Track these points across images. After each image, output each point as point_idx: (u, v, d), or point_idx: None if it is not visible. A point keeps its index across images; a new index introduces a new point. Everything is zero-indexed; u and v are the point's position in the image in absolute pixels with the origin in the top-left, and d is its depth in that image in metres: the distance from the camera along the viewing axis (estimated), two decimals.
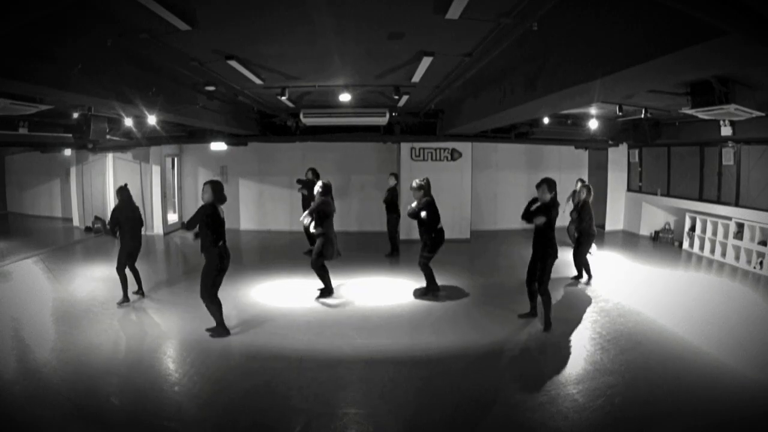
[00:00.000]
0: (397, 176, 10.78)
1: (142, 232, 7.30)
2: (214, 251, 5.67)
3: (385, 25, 4.35)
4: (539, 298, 6.20)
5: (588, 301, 7.31)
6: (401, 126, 11.60)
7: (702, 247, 10.49)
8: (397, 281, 8.35)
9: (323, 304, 7.16)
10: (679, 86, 5.86)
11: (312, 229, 7.26)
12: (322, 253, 7.20)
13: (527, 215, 6.22)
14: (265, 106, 9.42)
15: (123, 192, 7.11)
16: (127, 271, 7.02)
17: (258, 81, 6.49)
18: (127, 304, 6.90)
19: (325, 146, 12.80)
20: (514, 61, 5.59)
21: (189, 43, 4.78)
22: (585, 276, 8.30)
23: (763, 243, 8.93)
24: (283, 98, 7.36)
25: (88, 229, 13.33)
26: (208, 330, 5.87)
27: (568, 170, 13.94)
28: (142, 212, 7.38)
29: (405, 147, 12.33)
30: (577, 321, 6.48)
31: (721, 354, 5.35)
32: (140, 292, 7.24)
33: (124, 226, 6.95)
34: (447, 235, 7.53)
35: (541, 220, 5.95)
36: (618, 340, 5.79)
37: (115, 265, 6.97)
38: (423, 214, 7.13)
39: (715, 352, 5.40)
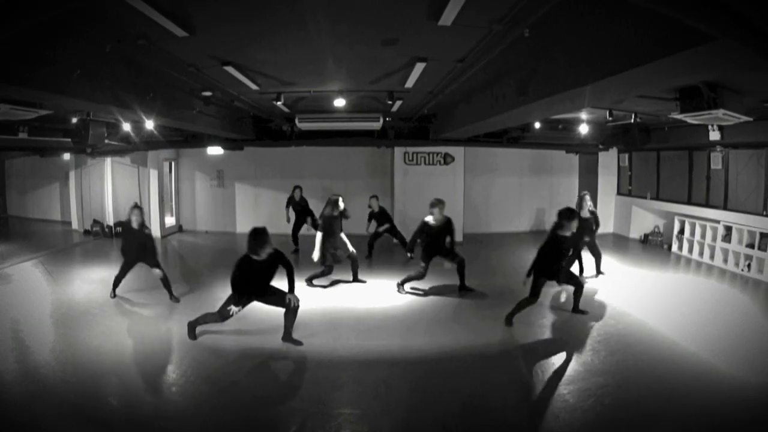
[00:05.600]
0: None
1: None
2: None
3: (379, 31, 4.43)
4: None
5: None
6: (395, 130, 11.71)
7: (691, 250, 10.60)
8: (390, 283, 8.40)
9: (317, 305, 7.23)
10: (668, 91, 5.94)
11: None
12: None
13: None
14: (261, 111, 9.50)
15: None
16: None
17: (254, 86, 6.57)
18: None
19: (319, 151, 12.90)
20: (506, 66, 5.67)
21: (186, 49, 4.86)
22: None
23: (750, 246, 9.03)
24: (279, 103, 7.45)
25: (86, 232, 13.37)
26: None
27: (559, 174, 14.11)
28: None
29: (398, 151, 12.45)
30: (568, 323, 6.58)
31: (710, 356, 5.41)
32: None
33: None
34: None
35: None
36: (608, 342, 5.87)
37: (113, 267, 7.12)
38: None
39: (704, 354, 5.46)
